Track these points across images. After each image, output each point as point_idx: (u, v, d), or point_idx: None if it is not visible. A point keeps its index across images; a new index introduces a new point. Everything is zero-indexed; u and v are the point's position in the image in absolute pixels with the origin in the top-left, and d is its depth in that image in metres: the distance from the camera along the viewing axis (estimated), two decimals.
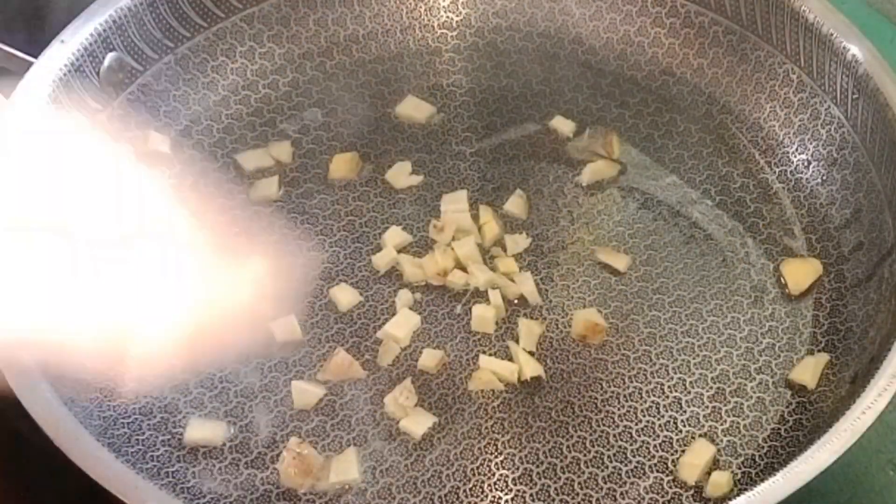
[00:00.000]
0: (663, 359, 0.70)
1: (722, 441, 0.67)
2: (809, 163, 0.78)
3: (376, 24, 0.87)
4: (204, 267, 0.72)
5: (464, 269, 0.74)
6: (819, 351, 0.70)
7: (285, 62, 0.85)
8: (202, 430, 0.66)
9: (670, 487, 0.65)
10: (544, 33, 0.87)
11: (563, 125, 0.82)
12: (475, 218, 0.76)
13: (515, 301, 0.73)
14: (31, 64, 0.72)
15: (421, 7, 0.88)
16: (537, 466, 0.66)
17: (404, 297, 0.73)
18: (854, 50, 0.74)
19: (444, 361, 0.70)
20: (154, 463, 0.65)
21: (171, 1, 0.79)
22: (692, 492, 0.65)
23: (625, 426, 0.67)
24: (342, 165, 0.80)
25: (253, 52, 0.84)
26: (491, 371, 0.69)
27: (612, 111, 0.83)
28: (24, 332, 0.60)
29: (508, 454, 0.66)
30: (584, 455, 0.66)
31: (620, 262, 0.74)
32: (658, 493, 0.65)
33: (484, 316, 0.71)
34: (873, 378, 0.60)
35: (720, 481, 0.64)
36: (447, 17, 0.88)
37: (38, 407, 0.58)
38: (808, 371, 0.68)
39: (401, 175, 0.79)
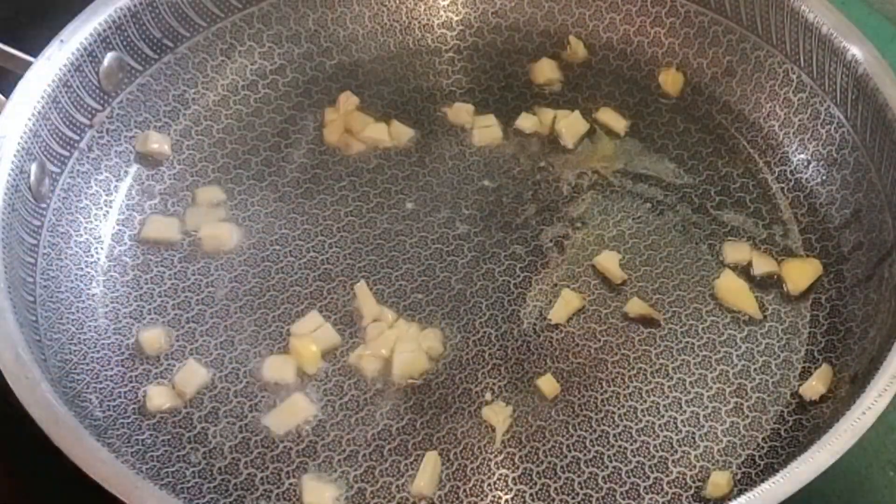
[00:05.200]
0: (663, 359, 0.70)
1: (722, 441, 0.67)
2: (809, 163, 0.78)
3: (376, 23, 0.87)
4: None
5: None
6: (819, 351, 0.70)
7: (285, 62, 0.85)
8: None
9: (670, 487, 0.65)
10: (544, 33, 0.87)
11: (564, 125, 0.82)
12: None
13: None
14: (30, 64, 0.72)
15: (421, 7, 0.88)
16: (537, 466, 0.66)
17: None
18: (854, 50, 0.74)
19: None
20: (154, 463, 0.65)
21: (171, 1, 0.79)
22: (692, 492, 0.65)
23: (625, 426, 0.67)
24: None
25: (252, 51, 0.84)
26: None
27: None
28: None
29: (508, 454, 0.66)
30: (584, 455, 0.66)
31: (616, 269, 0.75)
32: (658, 493, 0.65)
33: None
34: (873, 378, 0.60)
35: (720, 481, 0.64)
36: (447, 16, 0.88)
37: (38, 407, 0.57)
38: (820, 385, 0.68)
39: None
